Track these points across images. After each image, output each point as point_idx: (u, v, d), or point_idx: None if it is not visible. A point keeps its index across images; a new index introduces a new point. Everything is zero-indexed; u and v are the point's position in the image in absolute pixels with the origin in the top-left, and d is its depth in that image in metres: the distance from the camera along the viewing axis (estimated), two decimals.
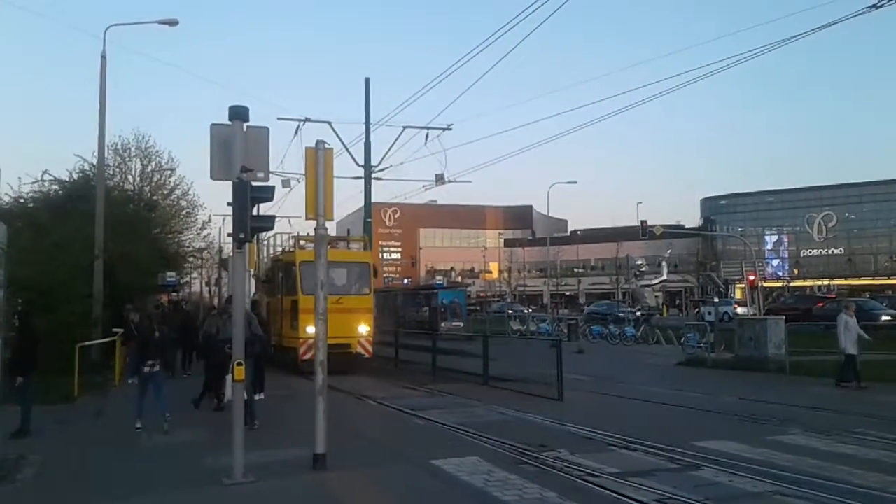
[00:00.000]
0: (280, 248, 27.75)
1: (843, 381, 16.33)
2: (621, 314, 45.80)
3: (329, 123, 26.16)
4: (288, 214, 55.52)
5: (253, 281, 25.36)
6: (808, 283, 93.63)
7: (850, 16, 13.53)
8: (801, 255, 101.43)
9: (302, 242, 22.65)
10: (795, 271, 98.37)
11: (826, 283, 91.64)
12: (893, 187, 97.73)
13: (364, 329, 21.24)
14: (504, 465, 8.99)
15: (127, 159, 37.29)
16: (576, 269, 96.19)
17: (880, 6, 12.43)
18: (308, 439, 9.01)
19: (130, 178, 37.62)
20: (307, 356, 19.09)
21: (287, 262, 22.32)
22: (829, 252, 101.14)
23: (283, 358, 21.02)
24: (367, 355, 21.34)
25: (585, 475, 8.41)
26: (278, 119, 26.38)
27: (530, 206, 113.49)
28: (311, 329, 17.27)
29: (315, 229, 9.26)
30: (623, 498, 7.45)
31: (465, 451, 9.79)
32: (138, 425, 11.76)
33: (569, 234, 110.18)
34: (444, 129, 26.21)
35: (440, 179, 29.56)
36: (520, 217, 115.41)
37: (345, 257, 22.75)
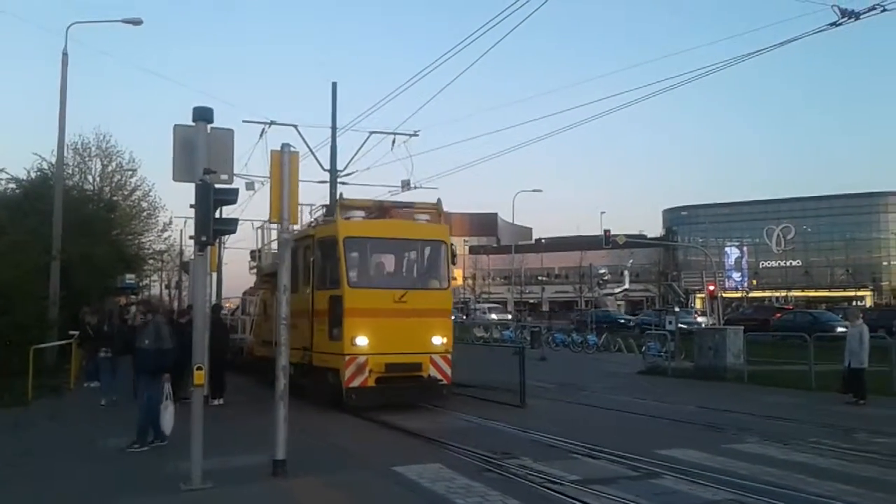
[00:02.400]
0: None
1: (860, 396, 15.51)
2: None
3: (295, 127, 25.87)
4: (252, 217, 55.22)
5: (254, 275, 23.83)
6: (767, 293, 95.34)
7: (811, 32, 13.80)
8: (760, 266, 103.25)
9: (346, 209, 15.52)
10: (754, 282, 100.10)
11: (784, 294, 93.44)
12: (851, 201, 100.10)
13: (439, 340, 14.60)
14: (467, 472, 8.97)
15: (87, 159, 36.72)
16: (540, 277, 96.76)
17: (840, 24, 12.69)
18: (270, 445, 8.91)
19: (90, 178, 37.05)
20: (356, 381, 13.78)
21: (322, 240, 15.10)
22: (787, 264, 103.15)
23: (313, 383, 15.02)
24: (443, 381, 14.61)
25: (548, 482, 8.42)
26: (243, 121, 26.06)
27: (496, 214, 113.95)
28: (361, 341, 13.90)
29: (278, 233, 9.17)
30: (585, 503, 7.49)
31: (427, 458, 9.76)
32: (102, 402, 14.63)
33: (533, 241, 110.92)
34: (410, 136, 26.11)
35: (406, 185, 29.41)
36: (485, 224, 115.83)
37: (408, 232, 15.58)
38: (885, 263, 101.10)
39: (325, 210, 17.80)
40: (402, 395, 14.19)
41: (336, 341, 14.07)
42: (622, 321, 52.83)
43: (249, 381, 19.48)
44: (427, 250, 15.60)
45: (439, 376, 14.50)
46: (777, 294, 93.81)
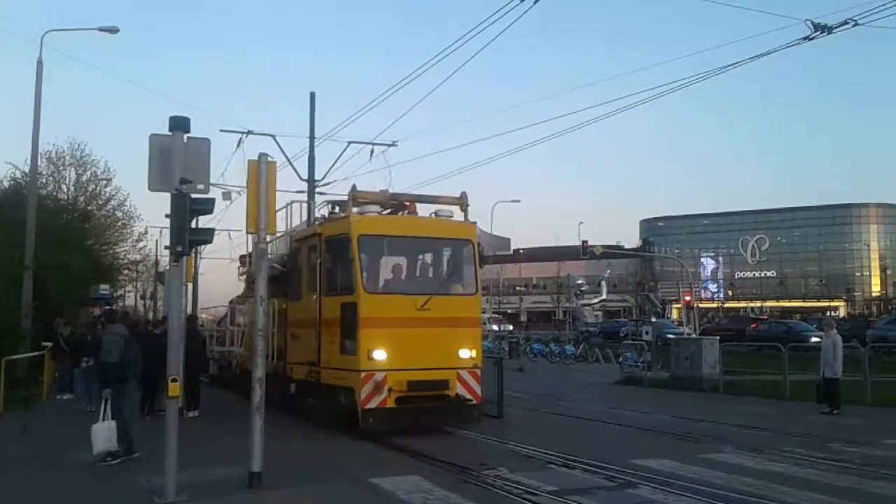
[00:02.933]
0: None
1: (834, 406, 15.60)
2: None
3: (273, 136, 25.79)
4: (228, 228, 54.81)
5: (242, 281, 21.85)
6: (742, 304, 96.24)
7: (784, 46, 14.00)
8: (736, 276, 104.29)
9: (358, 203, 13.56)
10: (730, 293, 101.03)
11: (759, 304, 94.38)
12: (825, 212, 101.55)
13: (468, 354, 12.88)
14: (445, 483, 8.93)
15: (61, 168, 36.24)
16: (517, 288, 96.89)
17: (813, 38, 12.88)
18: (246, 458, 8.83)
19: (64, 187, 36.58)
20: (374, 402, 12.05)
21: (332, 239, 13.31)
22: (763, 275, 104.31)
23: (321, 403, 13.45)
24: (472, 400, 12.91)
25: (525, 493, 8.41)
26: (220, 131, 25.92)
27: (475, 223, 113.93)
28: (379, 355, 12.11)
29: (255, 244, 9.12)
30: None
31: (405, 470, 9.72)
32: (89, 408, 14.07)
33: (512, 252, 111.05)
34: (389, 146, 26.09)
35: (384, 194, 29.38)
36: None
37: (431, 230, 13.93)
38: (858, 274, 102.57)
39: (331, 206, 15.26)
40: (426, 417, 12.53)
41: (350, 356, 12.32)
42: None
43: (237, 398, 17.34)
44: (452, 251, 13.87)
45: (468, 395, 12.71)
46: (752, 304, 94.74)
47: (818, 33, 12.78)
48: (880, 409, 16.30)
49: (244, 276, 21.84)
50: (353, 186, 13.77)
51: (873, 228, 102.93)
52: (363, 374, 12.01)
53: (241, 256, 22.42)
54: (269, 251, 17.52)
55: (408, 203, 14.11)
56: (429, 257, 14.42)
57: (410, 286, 13.52)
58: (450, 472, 9.64)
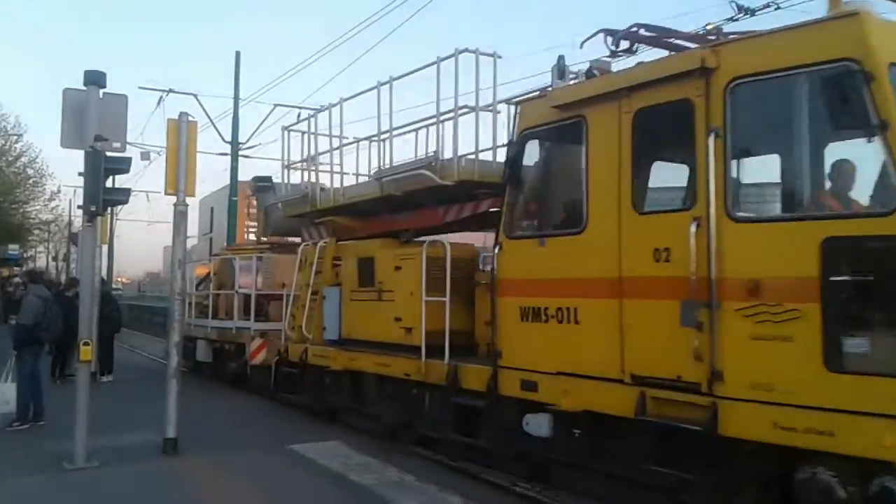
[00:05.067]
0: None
1: None
2: None
3: (195, 96, 25.10)
4: (147, 189, 53.44)
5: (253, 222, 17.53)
6: None
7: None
8: None
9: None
10: None
11: None
12: None
13: None
14: (365, 449, 8.96)
15: None
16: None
17: (736, 19, 13.20)
18: (162, 424, 8.69)
19: None
20: None
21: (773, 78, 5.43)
22: None
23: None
24: None
25: (445, 459, 8.49)
26: (139, 88, 25.15)
27: None
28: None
29: (175, 206, 8.87)
30: (480, 478, 7.62)
31: (326, 436, 9.70)
32: None
33: None
34: (318, 110, 25.78)
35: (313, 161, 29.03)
36: None
37: None
38: None
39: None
40: None
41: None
42: None
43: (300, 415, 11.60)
44: None
45: None
46: None
47: (741, 14, 13.10)
48: None
49: (268, 213, 15.24)
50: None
51: None
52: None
53: (257, 178, 16.33)
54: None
55: None
56: None
57: None
58: (371, 437, 9.66)
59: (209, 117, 25.50)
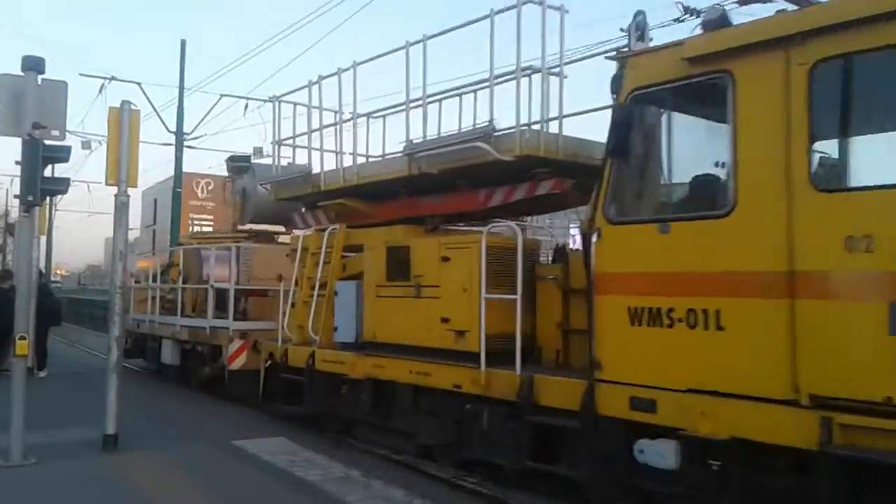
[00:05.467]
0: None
1: None
2: None
3: (138, 84, 24.58)
4: (88, 179, 52.34)
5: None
6: None
7: (657, 26, 14.47)
8: None
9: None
10: None
11: None
12: None
13: None
14: (310, 445, 8.91)
15: None
16: None
17: (682, 20, 13.41)
18: (101, 419, 8.51)
19: None
20: None
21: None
22: None
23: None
24: None
25: (391, 453, 8.51)
26: (80, 75, 24.50)
27: None
28: None
29: (116, 196, 8.67)
30: (429, 474, 7.64)
31: (270, 433, 9.62)
32: None
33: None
34: (264, 101, 25.47)
35: (258, 153, 28.74)
36: None
37: None
38: None
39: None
40: None
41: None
42: None
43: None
44: None
45: None
46: None
47: (687, 16, 13.33)
48: None
49: (247, 197, 14.11)
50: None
51: None
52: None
53: (234, 157, 15.93)
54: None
55: None
56: None
57: None
58: (317, 434, 9.60)
59: (153, 106, 25.00)
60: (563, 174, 7.22)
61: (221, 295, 12.72)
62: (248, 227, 14.55)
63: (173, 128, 24.51)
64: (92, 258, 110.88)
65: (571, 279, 7.06)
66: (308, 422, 9.81)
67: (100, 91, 24.92)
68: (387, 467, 8.01)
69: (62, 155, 8.52)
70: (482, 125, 7.49)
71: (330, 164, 9.89)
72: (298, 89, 10.46)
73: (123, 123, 8.68)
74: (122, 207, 8.76)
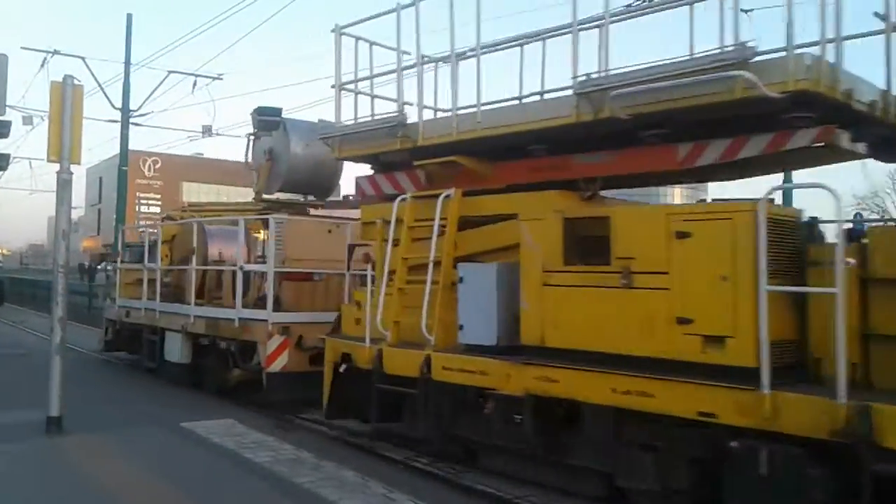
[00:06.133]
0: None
1: None
2: None
3: (82, 59, 23.96)
4: (29, 156, 51.20)
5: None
6: None
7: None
8: None
9: None
10: None
11: None
12: None
13: None
14: (260, 427, 8.85)
15: None
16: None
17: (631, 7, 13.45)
18: (45, 401, 8.32)
19: None
20: None
21: None
22: None
23: None
24: None
25: (343, 435, 8.53)
26: (22, 48, 23.74)
27: None
28: None
29: (58, 173, 8.44)
30: (381, 455, 7.69)
31: (219, 415, 9.51)
32: None
33: (341, 199, 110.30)
34: (213, 79, 24.97)
35: (207, 131, 28.35)
36: None
37: None
38: None
39: None
40: None
41: None
42: None
43: None
44: None
45: None
46: None
47: (637, 1, 13.44)
48: None
49: (276, 159, 11.88)
50: None
51: None
52: None
53: (261, 109, 11.86)
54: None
55: None
56: None
57: None
58: (267, 416, 9.53)
59: (98, 82, 24.28)
60: (824, 121, 5.47)
61: (243, 280, 10.68)
62: (273, 196, 12.13)
63: (119, 104, 23.96)
64: (34, 237, 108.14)
65: (876, 264, 5.27)
66: (412, 443, 7.77)
67: (42, 65, 24.27)
68: (338, 448, 8.01)
69: (2, 131, 8.32)
70: (731, 48, 5.50)
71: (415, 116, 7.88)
72: (377, 16, 8.26)
73: (66, 99, 8.44)
74: (64, 185, 8.54)
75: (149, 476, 6.88)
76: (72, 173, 8.54)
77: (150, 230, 13.57)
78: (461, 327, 7.08)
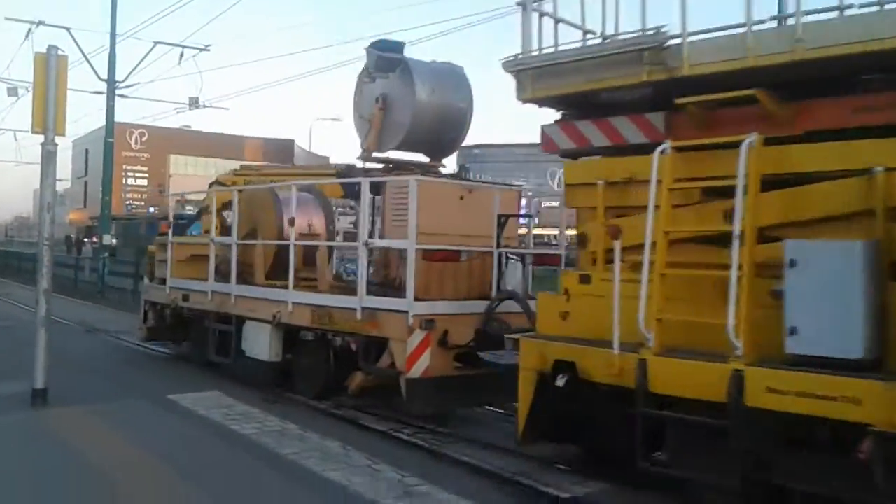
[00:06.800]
0: None
1: None
2: None
3: (68, 29, 23.72)
4: (14, 128, 50.66)
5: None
6: (547, 231, 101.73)
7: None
8: (542, 206, 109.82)
9: None
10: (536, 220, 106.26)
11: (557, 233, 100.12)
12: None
13: None
14: (246, 399, 8.88)
15: None
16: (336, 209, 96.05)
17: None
18: (31, 374, 8.30)
19: None
20: None
21: None
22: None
23: None
24: None
25: (329, 408, 8.57)
26: (6, 19, 23.49)
27: (292, 141, 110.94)
28: None
29: (42, 145, 8.39)
30: (365, 426, 7.77)
31: (206, 387, 9.55)
32: None
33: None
34: (200, 50, 24.78)
35: (195, 103, 28.19)
36: (281, 151, 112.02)
37: None
38: None
39: None
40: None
41: None
42: None
43: None
44: None
45: None
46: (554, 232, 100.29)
47: None
48: None
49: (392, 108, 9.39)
50: None
51: None
52: None
53: (379, 43, 9.40)
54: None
55: None
56: None
57: None
58: (253, 389, 9.54)
59: (83, 53, 24.07)
60: None
61: (283, 255, 9.16)
62: (384, 155, 9.68)
63: (105, 75, 23.73)
64: (20, 209, 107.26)
65: None
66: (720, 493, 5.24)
67: (27, 36, 24.05)
68: (322, 420, 8.08)
69: None
70: None
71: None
72: None
73: (50, 70, 8.34)
74: (49, 157, 8.49)
75: (134, 448, 6.91)
76: (56, 145, 8.48)
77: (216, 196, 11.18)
78: (792, 331, 4.81)
